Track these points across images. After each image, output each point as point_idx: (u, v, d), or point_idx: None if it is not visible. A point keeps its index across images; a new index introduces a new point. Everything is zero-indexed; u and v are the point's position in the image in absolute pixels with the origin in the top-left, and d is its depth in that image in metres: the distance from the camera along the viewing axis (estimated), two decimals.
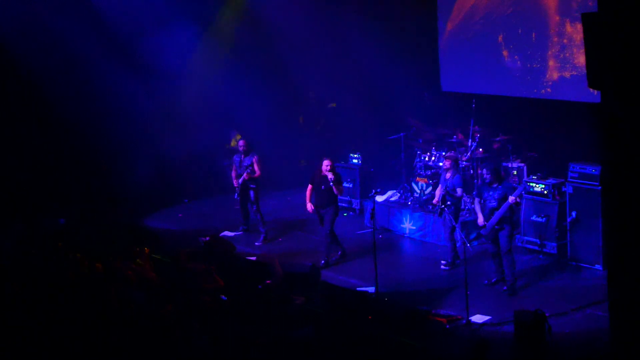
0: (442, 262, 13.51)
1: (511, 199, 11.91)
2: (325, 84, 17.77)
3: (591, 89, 13.00)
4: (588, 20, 7.12)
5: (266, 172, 15.29)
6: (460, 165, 14.79)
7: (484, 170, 12.45)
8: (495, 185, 12.16)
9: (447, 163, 13.47)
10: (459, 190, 13.24)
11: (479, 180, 14.84)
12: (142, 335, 8.95)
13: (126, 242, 12.97)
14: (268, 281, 12.18)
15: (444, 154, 15.12)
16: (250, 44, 17.88)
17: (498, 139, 15.23)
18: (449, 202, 12.94)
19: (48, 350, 8.61)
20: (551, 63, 15.13)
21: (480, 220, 12.29)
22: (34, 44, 15.51)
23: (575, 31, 14.50)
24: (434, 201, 13.87)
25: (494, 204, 12.09)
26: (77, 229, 14.39)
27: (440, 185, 13.72)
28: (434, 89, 17.17)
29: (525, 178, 14.26)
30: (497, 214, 12.04)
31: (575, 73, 14.72)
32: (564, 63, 14.94)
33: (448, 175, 13.44)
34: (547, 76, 15.20)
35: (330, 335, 10.39)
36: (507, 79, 15.90)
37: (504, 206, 11.97)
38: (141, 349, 8.76)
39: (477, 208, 12.39)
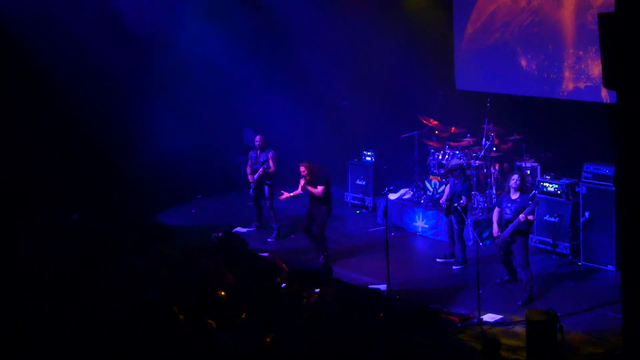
0: (452, 260, 13.53)
1: (521, 216, 11.80)
2: (339, 81, 17.74)
3: (605, 97, 13.23)
4: (604, 21, 7.11)
5: (280, 168, 15.31)
6: (474, 165, 14.76)
7: (515, 176, 12.16)
8: (516, 196, 12.02)
9: (455, 173, 13.39)
10: (463, 199, 13.17)
11: (492, 179, 14.83)
12: (155, 332, 8.97)
13: (139, 238, 13.01)
14: (279, 278, 12.18)
15: (457, 152, 15.10)
16: (265, 41, 17.90)
17: (512, 138, 15.18)
18: (455, 205, 12.95)
19: (62, 346, 8.65)
20: (567, 74, 15.10)
21: (495, 230, 12.19)
22: (48, 40, 15.48)
23: (590, 43, 14.46)
24: (441, 201, 13.82)
25: (509, 215, 11.99)
26: (90, 224, 14.41)
27: (449, 184, 13.67)
28: (449, 87, 17.11)
29: (538, 178, 14.23)
30: (510, 227, 11.93)
31: (589, 84, 14.73)
32: (579, 74, 14.92)
33: (456, 180, 13.38)
34: (563, 86, 15.19)
35: (342, 333, 10.39)
36: (523, 83, 15.87)
37: (516, 221, 11.89)
38: (154, 346, 8.78)
39: (495, 217, 12.27)
